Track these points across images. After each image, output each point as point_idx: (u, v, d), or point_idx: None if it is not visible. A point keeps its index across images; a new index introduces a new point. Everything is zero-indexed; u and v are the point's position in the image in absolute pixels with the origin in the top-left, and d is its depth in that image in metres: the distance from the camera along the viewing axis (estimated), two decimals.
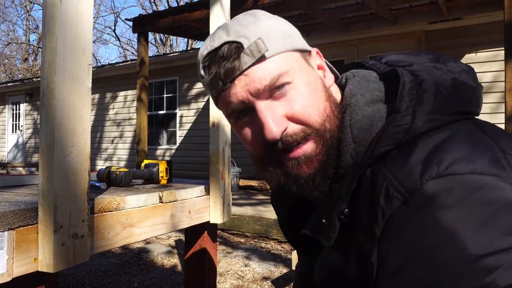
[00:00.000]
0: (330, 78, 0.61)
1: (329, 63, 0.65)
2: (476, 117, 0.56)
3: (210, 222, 1.43)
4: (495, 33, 4.72)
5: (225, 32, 0.56)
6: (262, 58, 0.53)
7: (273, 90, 0.54)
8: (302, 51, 0.59)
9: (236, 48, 0.53)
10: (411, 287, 0.44)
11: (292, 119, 0.55)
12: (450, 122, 0.51)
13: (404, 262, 0.45)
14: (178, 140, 8.21)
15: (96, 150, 9.42)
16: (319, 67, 0.61)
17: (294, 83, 0.54)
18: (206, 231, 1.48)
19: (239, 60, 0.53)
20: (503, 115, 3.90)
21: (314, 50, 0.62)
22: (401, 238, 0.45)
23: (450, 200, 0.43)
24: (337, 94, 0.61)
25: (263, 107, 0.54)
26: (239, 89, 0.54)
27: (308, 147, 0.55)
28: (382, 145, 0.50)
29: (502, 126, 3.77)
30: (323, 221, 0.56)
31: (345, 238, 0.54)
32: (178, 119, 8.22)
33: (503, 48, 3.78)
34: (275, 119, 0.54)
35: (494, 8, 4.73)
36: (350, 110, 0.56)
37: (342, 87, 0.62)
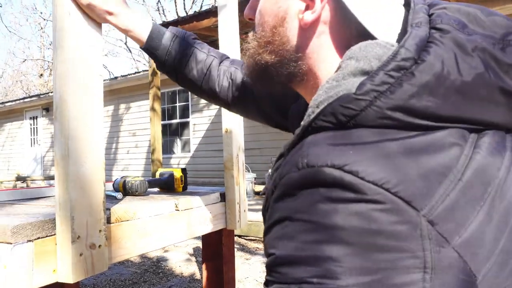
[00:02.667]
0: (306, 18, 0.52)
1: (363, 10, 0.51)
2: (487, 130, 0.44)
3: (227, 228, 1.42)
4: None
5: None
6: None
7: None
8: None
9: None
10: (272, 243, 0.45)
11: (256, 15, 0.61)
12: (425, 128, 0.42)
13: (274, 222, 0.45)
14: (192, 148, 8.26)
15: (112, 161, 9.55)
16: (308, 2, 0.53)
17: None
18: (223, 238, 1.48)
19: None
20: None
21: None
22: (280, 201, 0.45)
23: (330, 193, 0.40)
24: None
25: None
26: None
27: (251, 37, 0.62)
28: (325, 120, 0.45)
29: None
30: (270, 170, 0.57)
31: None
32: (191, 127, 8.28)
33: None
34: (248, 6, 0.63)
35: (506, 1, 4.65)
36: (335, 74, 0.48)
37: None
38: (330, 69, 0.53)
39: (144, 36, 0.85)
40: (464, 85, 0.42)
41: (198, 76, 0.91)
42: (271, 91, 0.83)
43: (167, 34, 0.87)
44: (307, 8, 0.53)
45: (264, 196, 0.58)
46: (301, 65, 0.56)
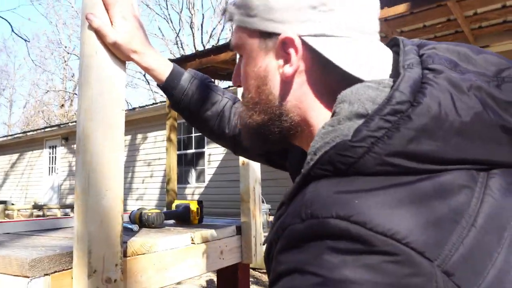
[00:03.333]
0: (286, 71, 0.52)
1: (344, 57, 0.51)
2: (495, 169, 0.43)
3: (243, 262, 1.40)
4: None
5: None
6: (233, 24, 0.60)
7: (238, 53, 0.62)
8: (263, 33, 0.54)
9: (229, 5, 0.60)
10: None
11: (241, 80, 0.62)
12: (429, 172, 0.40)
13: (280, 274, 0.43)
14: (207, 178, 8.27)
15: (127, 190, 9.61)
16: (285, 56, 0.52)
17: (243, 59, 0.60)
18: (238, 272, 1.45)
19: (228, 16, 0.60)
20: None
21: (284, 35, 0.51)
22: (285, 253, 0.43)
23: (337, 245, 0.38)
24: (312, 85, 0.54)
25: (238, 59, 0.64)
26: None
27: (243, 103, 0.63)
28: (323, 169, 0.44)
29: None
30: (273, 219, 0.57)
31: None
32: (206, 157, 8.33)
33: None
34: (236, 73, 0.64)
35: None
36: (330, 120, 0.47)
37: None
38: (320, 115, 0.53)
39: (164, 76, 0.88)
40: (464, 125, 0.40)
41: (211, 117, 0.92)
42: (271, 149, 0.83)
43: (186, 75, 0.90)
44: (286, 62, 0.53)
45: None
46: (292, 117, 0.55)
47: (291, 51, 0.51)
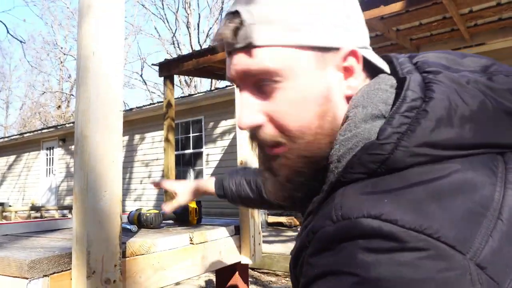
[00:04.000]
0: (354, 85, 0.51)
1: (376, 60, 0.53)
2: None
3: (242, 262, 1.40)
4: None
5: None
6: (248, 47, 0.49)
7: (258, 82, 0.50)
8: (317, 48, 0.49)
9: (236, 24, 0.49)
10: None
11: (270, 119, 0.51)
12: (452, 157, 0.42)
13: (314, 278, 0.43)
14: (205, 178, 8.27)
15: (125, 191, 9.59)
16: (348, 69, 0.51)
17: (283, 84, 0.49)
18: (237, 272, 1.45)
19: (235, 39, 0.49)
20: None
21: (348, 48, 0.50)
22: (318, 256, 0.43)
23: (370, 244, 0.38)
24: None
25: (243, 95, 0.52)
26: (231, 66, 0.52)
27: (279, 151, 0.52)
28: (354, 172, 0.45)
29: None
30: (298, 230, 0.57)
31: None
32: (204, 157, 8.32)
33: None
34: (249, 111, 0.51)
35: None
36: (346, 125, 0.48)
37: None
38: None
39: (213, 189, 1.14)
40: (473, 113, 0.43)
41: (254, 195, 1.04)
42: None
43: (225, 177, 1.12)
44: (348, 75, 0.51)
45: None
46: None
47: (355, 63, 0.51)
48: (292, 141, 0.51)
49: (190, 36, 18.74)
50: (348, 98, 0.51)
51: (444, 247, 0.36)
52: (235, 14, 0.49)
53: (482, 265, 0.36)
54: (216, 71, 6.58)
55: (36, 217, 8.77)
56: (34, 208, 9.14)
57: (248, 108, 0.51)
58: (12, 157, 13.46)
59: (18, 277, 0.76)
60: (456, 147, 0.43)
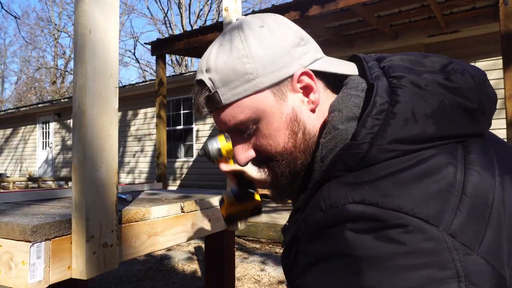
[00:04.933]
0: (315, 98, 0.55)
1: (333, 68, 0.58)
2: (475, 137, 0.50)
3: (228, 229, 1.43)
4: (492, 44, 4.68)
5: (205, 63, 0.56)
6: (221, 107, 0.55)
7: (240, 130, 0.57)
8: (273, 85, 0.54)
9: (204, 91, 0.56)
10: (311, 285, 0.47)
11: (258, 152, 0.58)
12: (419, 150, 0.46)
13: (308, 265, 0.48)
14: (195, 153, 8.26)
15: (119, 164, 9.53)
16: (305, 88, 0.55)
17: (258, 125, 0.56)
18: (224, 238, 1.49)
19: (209, 104, 0.56)
20: (504, 121, 3.84)
21: (298, 72, 0.54)
22: (311, 244, 0.48)
23: (357, 226, 0.43)
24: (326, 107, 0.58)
25: (234, 138, 0.60)
26: (215, 123, 0.59)
27: (271, 168, 0.59)
28: (336, 170, 0.49)
29: (504, 132, 3.71)
30: (286, 223, 0.61)
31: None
32: (194, 133, 8.29)
33: (501, 57, 3.75)
34: (241, 151, 0.59)
35: (489, 20, 4.70)
36: (326, 129, 0.53)
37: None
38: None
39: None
40: (434, 111, 0.47)
41: None
42: None
43: None
44: (307, 93, 0.55)
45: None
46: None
47: (309, 81, 0.55)
48: (277, 160, 0.57)
49: (181, 16, 18.26)
50: (313, 110, 0.56)
51: (419, 222, 0.41)
52: (201, 83, 0.55)
53: (454, 234, 0.40)
54: None
55: (33, 187, 8.67)
56: (32, 179, 9.03)
57: (241, 149, 0.59)
58: (9, 130, 13.16)
59: (22, 241, 0.77)
60: (422, 140, 0.46)
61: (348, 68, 0.59)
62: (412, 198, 0.42)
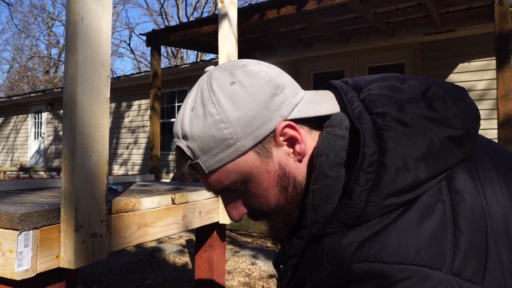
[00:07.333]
0: (301, 149, 0.54)
1: (314, 110, 0.55)
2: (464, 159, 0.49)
3: (219, 222, 1.44)
4: (487, 44, 4.70)
5: (180, 128, 0.55)
6: (207, 174, 0.55)
7: (229, 192, 0.57)
8: (256, 144, 0.53)
9: (186, 160, 0.55)
10: None
11: (250, 208, 0.59)
12: (413, 199, 0.46)
13: None
14: None
15: (112, 155, 9.48)
16: (289, 139, 0.54)
17: (246, 186, 0.56)
18: (215, 231, 1.49)
19: (194, 171, 0.56)
20: (495, 121, 3.88)
21: (280, 126, 0.53)
22: None
23: (365, 285, 0.43)
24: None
25: (223, 197, 0.59)
26: (204, 184, 0.58)
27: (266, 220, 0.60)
28: (333, 227, 0.48)
29: (495, 132, 3.75)
30: (281, 266, 0.59)
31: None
32: None
33: (494, 58, 3.77)
34: (233, 209, 0.59)
35: (485, 20, 4.73)
36: (315, 174, 0.52)
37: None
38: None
39: None
40: (424, 154, 0.46)
41: None
42: None
43: None
44: (292, 145, 0.54)
45: None
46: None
47: (292, 132, 0.53)
48: (271, 216, 0.58)
49: (178, 7, 18.11)
50: (301, 161, 0.55)
51: (424, 269, 0.41)
52: (181, 150, 0.55)
53: (457, 273, 0.41)
54: (202, 44, 6.43)
55: (25, 177, 8.60)
56: (23, 169, 8.95)
57: (232, 207, 0.59)
58: (0, 119, 13.01)
59: (9, 229, 0.76)
60: (415, 187, 0.46)
61: (328, 104, 0.57)
62: (413, 246, 0.42)
